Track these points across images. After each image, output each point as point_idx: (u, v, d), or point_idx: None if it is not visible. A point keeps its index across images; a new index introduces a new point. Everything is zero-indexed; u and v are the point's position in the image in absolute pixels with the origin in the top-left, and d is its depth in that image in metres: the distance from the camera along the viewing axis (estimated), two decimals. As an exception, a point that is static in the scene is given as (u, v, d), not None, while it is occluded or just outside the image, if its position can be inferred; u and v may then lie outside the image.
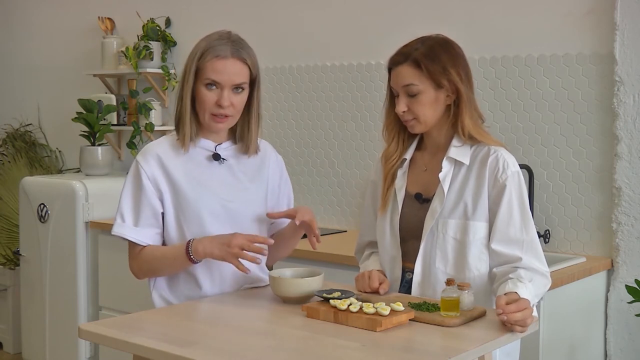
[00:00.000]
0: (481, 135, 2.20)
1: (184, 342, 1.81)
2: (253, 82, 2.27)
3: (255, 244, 2.13)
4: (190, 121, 2.24)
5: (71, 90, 4.99)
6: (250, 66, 2.23)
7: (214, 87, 2.19)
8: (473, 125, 2.19)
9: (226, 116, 2.22)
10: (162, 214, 2.26)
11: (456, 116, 2.19)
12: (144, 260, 2.25)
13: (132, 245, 2.27)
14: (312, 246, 2.28)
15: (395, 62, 2.19)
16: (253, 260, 2.14)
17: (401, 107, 2.18)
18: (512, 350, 2.25)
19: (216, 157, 2.29)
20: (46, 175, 4.83)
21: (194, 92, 2.22)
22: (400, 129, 2.27)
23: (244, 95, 2.25)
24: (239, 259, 2.13)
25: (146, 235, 2.25)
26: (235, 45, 2.21)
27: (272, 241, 2.17)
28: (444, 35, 2.23)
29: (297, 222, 2.24)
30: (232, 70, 2.19)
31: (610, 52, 3.10)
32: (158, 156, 2.26)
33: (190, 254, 2.17)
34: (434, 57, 2.15)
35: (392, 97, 2.24)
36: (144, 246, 2.25)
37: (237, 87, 2.21)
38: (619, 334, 3.14)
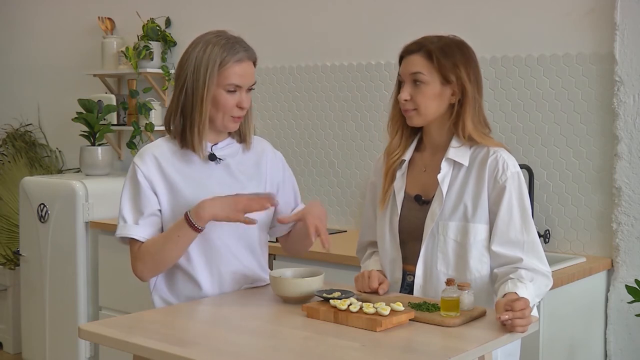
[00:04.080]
0: (481, 137, 2.19)
1: (184, 342, 1.81)
2: None
3: (260, 200, 2.16)
4: None
5: (71, 90, 4.99)
6: (255, 64, 2.30)
7: (234, 91, 2.22)
8: (474, 128, 2.18)
9: (242, 116, 2.27)
10: (160, 211, 2.26)
11: (458, 115, 2.18)
12: (145, 253, 2.21)
13: (134, 244, 2.25)
14: (323, 245, 2.25)
15: (408, 50, 2.21)
16: (269, 203, 2.17)
17: (404, 95, 2.18)
18: (513, 351, 2.25)
19: (212, 157, 2.30)
20: (46, 175, 4.83)
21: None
22: (404, 122, 2.26)
23: (251, 93, 2.30)
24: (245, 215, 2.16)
25: (147, 232, 2.23)
26: (246, 48, 2.25)
27: (275, 197, 2.22)
28: (461, 38, 2.24)
29: (311, 230, 2.24)
30: (249, 73, 2.25)
31: (610, 52, 3.10)
32: (155, 157, 2.26)
33: (192, 222, 2.15)
34: (447, 52, 2.16)
35: (400, 88, 2.24)
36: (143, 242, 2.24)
37: (250, 87, 2.27)
38: (619, 334, 3.14)
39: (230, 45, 2.22)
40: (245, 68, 2.23)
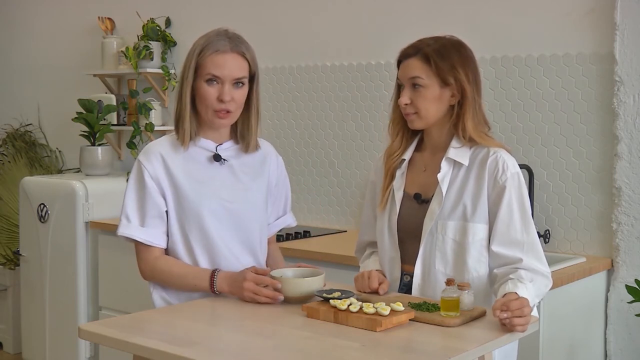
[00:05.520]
0: (482, 138, 2.19)
1: (184, 342, 1.81)
2: (252, 78, 2.28)
3: (264, 290, 2.12)
4: (190, 118, 2.25)
5: (71, 90, 4.99)
6: (250, 60, 2.25)
7: (215, 82, 2.20)
8: (474, 129, 2.18)
9: (228, 111, 2.23)
10: (167, 212, 2.26)
11: (458, 117, 2.19)
12: (159, 271, 2.25)
13: (141, 246, 2.26)
14: None
15: (405, 54, 2.21)
16: (272, 299, 2.12)
17: (404, 99, 2.18)
18: (510, 351, 2.25)
19: (217, 157, 2.29)
20: (46, 175, 4.83)
21: (193, 89, 2.23)
22: (405, 125, 2.27)
23: (244, 90, 2.25)
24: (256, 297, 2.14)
25: (154, 235, 2.24)
26: (233, 40, 2.23)
27: (280, 297, 2.13)
28: (458, 38, 2.24)
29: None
30: (232, 65, 2.20)
31: (610, 52, 3.10)
32: (160, 155, 2.26)
33: (215, 287, 2.19)
34: (444, 54, 2.16)
35: (400, 91, 2.24)
36: (156, 249, 2.25)
37: (237, 82, 2.22)
38: (619, 334, 3.14)
39: (216, 36, 2.21)
40: (226, 59, 2.19)
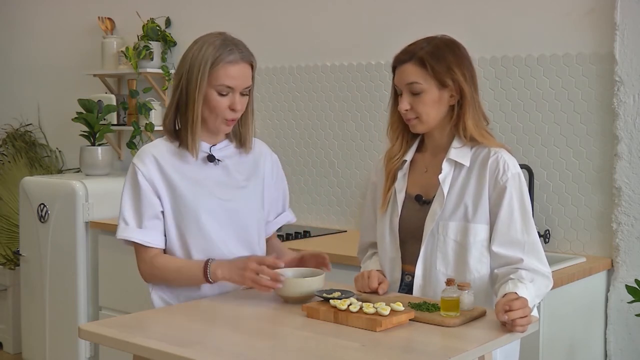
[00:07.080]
0: (483, 137, 2.19)
1: (184, 342, 1.81)
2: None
3: (267, 270, 2.13)
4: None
5: (71, 90, 4.99)
6: (254, 68, 2.28)
7: (226, 93, 2.22)
8: (475, 127, 2.18)
9: (235, 119, 2.26)
10: (163, 212, 2.26)
11: (459, 117, 2.18)
12: (156, 269, 2.25)
13: (140, 248, 2.26)
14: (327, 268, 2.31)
15: (400, 60, 2.19)
16: (272, 287, 2.12)
17: (404, 105, 2.18)
18: (512, 351, 2.25)
19: (211, 158, 2.31)
20: (46, 175, 4.83)
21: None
22: (404, 128, 2.26)
23: (248, 96, 2.28)
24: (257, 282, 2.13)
25: (152, 236, 2.25)
26: (241, 50, 2.24)
27: (281, 264, 2.17)
28: (450, 37, 2.23)
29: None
30: (243, 75, 2.23)
31: (610, 52, 3.10)
32: (154, 157, 2.27)
33: (208, 275, 2.18)
34: (439, 56, 2.15)
35: (397, 96, 2.23)
36: (154, 249, 2.25)
37: (245, 90, 2.25)
38: (619, 334, 3.14)
39: (224, 46, 2.22)
40: (238, 70, 2.21)
